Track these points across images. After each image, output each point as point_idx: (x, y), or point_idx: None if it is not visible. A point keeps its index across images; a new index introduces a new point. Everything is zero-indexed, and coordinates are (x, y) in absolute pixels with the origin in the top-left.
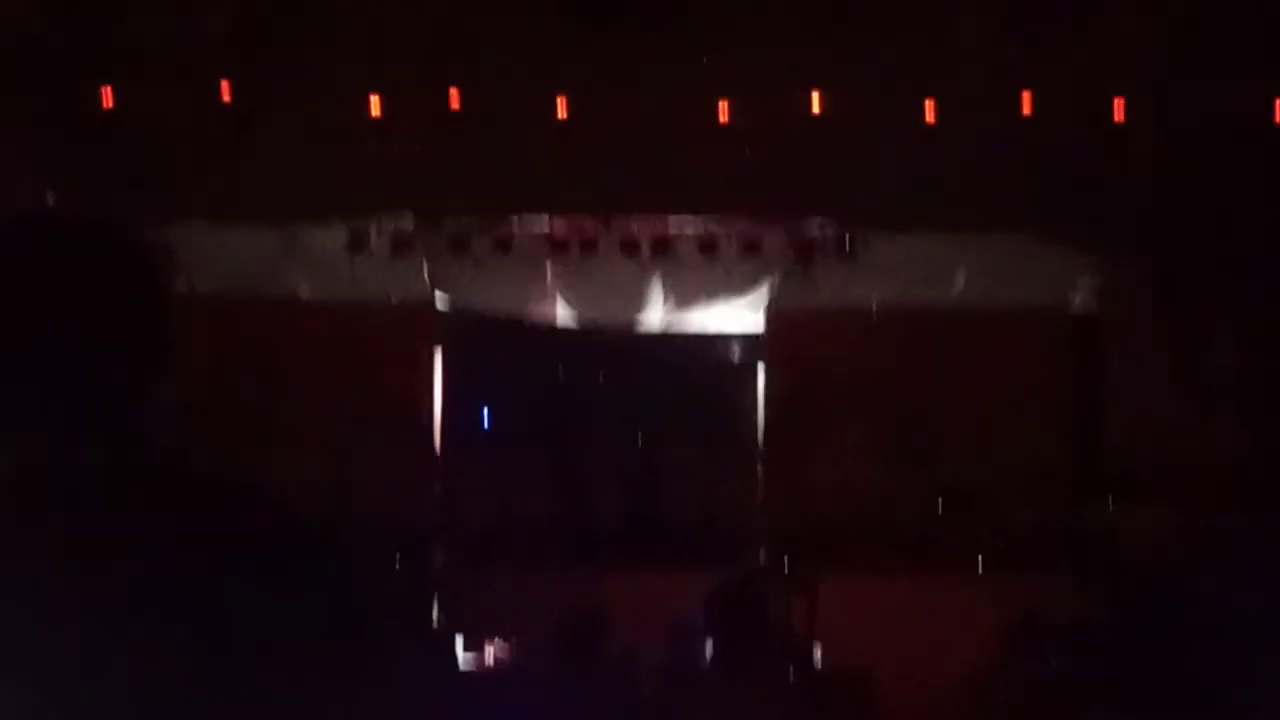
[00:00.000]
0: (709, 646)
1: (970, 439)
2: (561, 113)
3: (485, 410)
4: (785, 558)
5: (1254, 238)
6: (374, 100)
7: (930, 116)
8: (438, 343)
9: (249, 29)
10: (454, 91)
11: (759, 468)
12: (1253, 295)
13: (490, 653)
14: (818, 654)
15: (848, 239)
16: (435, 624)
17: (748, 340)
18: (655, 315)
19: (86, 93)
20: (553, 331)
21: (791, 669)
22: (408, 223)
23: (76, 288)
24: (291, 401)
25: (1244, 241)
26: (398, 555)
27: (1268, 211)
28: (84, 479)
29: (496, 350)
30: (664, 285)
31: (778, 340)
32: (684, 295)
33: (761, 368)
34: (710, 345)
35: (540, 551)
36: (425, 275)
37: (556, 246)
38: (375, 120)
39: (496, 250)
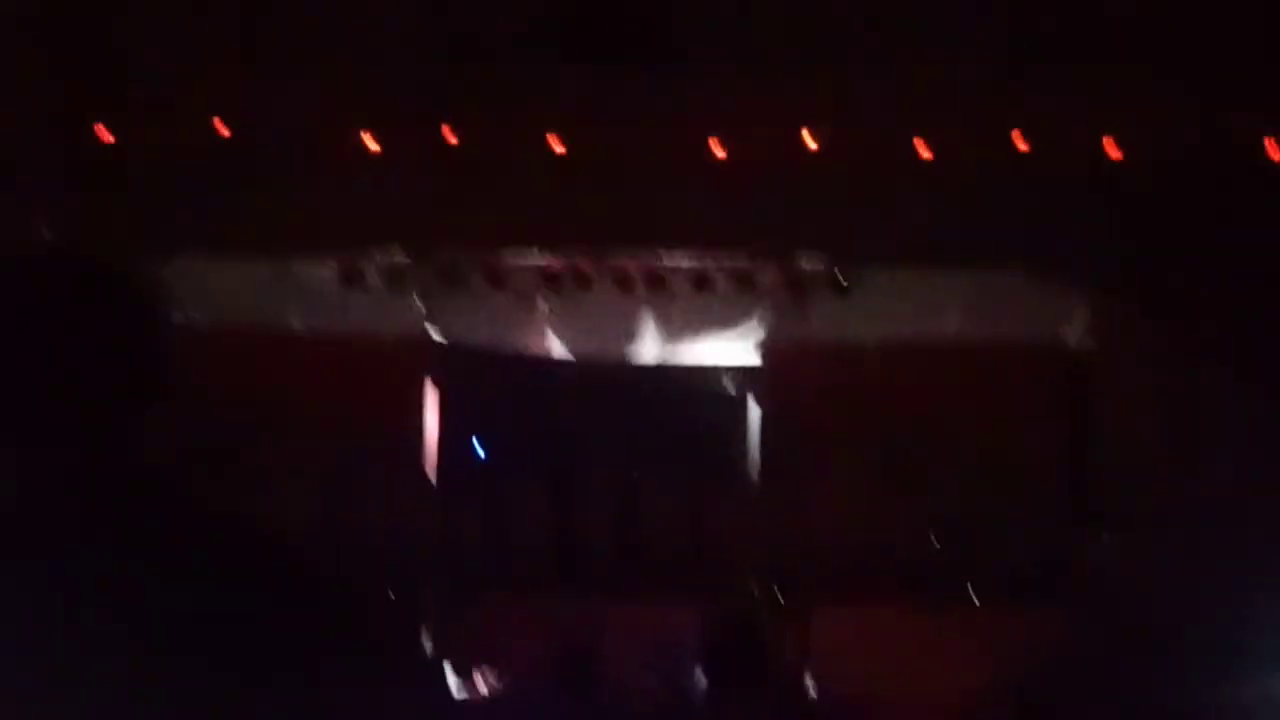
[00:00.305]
0: (703, 680)
1: (964, 473)
2: (555, 148)
3: (479, 444)
4: (779, 591)
5: (1245, 274)
6: (368, 134)
7: (923, 153)
8: (431, 376)
9: (244, 64)
10: (448, 126)
11: (753, 501)
12: (1244, 331)
13: (484, 685)
14: (811, 687)
15: (840, 274)
16: (429, 657)
17: (741, 375)
18: (649, 350)
19: (82, 128)
20: (546, 365)
21: (785, 702)
22: (401, 256)
23: (69, 321)
24: (285, 435)
25: (1235, 277)
26: (391, 588)
27: (1258, 248)
28: (76, 510)
29: (490, 384)
30: (657, 320)
31: (771, 375)
32: (677, 330)
33: (755, 402)
34: (704, 380)
35: (534, 585)
36: (419, 309)
37: (550, 280)
38: (370, 154)
39: (490, 284)
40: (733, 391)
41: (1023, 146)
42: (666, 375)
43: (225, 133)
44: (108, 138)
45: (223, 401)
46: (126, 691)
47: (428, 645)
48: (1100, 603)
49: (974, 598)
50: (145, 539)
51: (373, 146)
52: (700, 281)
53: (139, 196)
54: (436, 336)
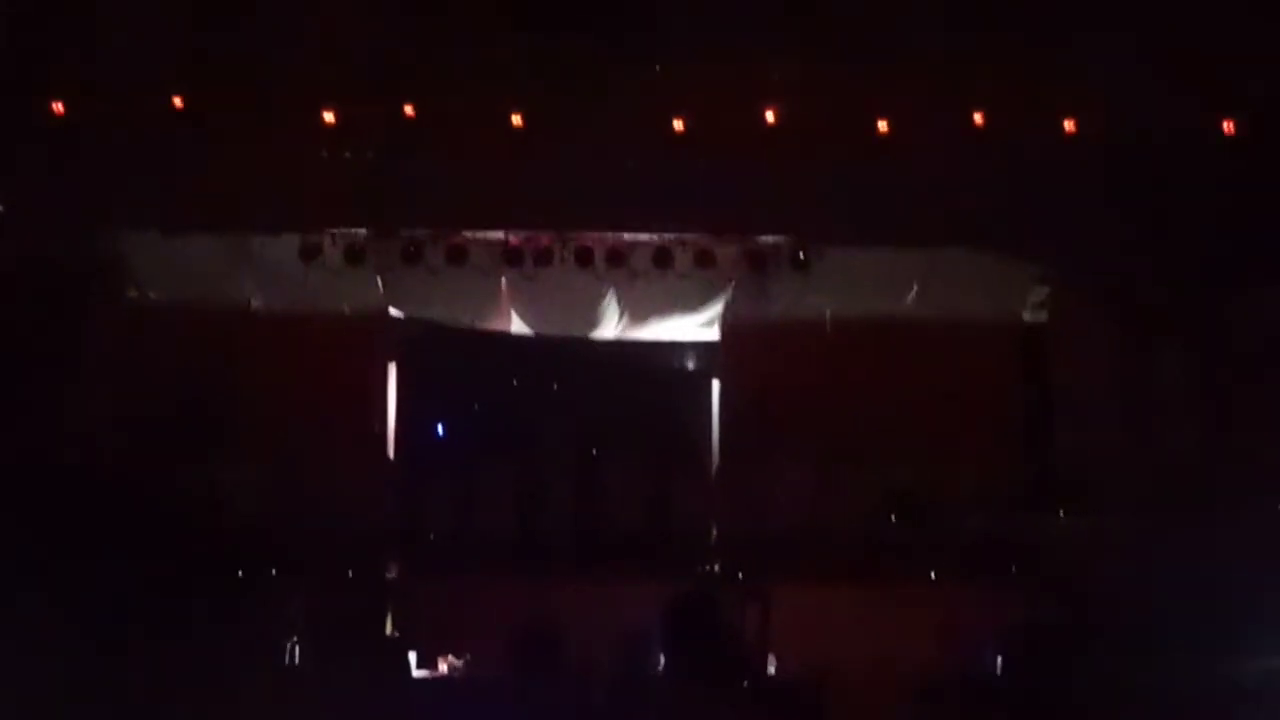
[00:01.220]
0: (663, 656)
1: (922, 448)
2: (517, 125)
3: (439, 420)
4: (739, 566)
5: (1200, 250)
6: (328, 111)
7: (883, 131)
8: (391, 352)
9: (204, 40)
10: (408, 103)
11: (713, 477)
12: (1198, 307)
13: (443, 663)
14: (772, 662)
15: (801, 251)
16: (388, 634)
17: (702, 351)
18: (609, 326)
19: (42, 103)
20: (507, 342)
21: (746, 677)
22: (361, 233)
23: (22, 295)
24: (244, 409)
25: (1190, 254)
26: (349, 566)
27: (1213, 225)
28: (31, 488)
29: (450, 360)
30: (618, 296)
31: (732, 351)
32: (638, 306)
33: (715, 378)
34: (664, 356)
35: (494, 561)
36: (379, 285)
37: (511, 257)
38: (330, 131)
39: (450, 261)
40: (692, 367)
41: (981, 124)
42: (627, 351)
43: (182, 108)
44: (62, 112)
45: (179, 377)
46: (75, 667)
47: (387, 624)
48: (1055, 578)
49: (932, 573)
50: (97, 514)
51: (333, 123)
52: (661, 258)
53: (95, 172)
54: (396, 313)
